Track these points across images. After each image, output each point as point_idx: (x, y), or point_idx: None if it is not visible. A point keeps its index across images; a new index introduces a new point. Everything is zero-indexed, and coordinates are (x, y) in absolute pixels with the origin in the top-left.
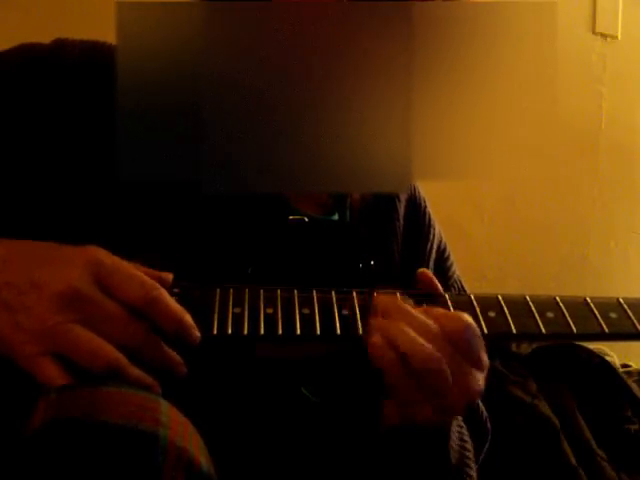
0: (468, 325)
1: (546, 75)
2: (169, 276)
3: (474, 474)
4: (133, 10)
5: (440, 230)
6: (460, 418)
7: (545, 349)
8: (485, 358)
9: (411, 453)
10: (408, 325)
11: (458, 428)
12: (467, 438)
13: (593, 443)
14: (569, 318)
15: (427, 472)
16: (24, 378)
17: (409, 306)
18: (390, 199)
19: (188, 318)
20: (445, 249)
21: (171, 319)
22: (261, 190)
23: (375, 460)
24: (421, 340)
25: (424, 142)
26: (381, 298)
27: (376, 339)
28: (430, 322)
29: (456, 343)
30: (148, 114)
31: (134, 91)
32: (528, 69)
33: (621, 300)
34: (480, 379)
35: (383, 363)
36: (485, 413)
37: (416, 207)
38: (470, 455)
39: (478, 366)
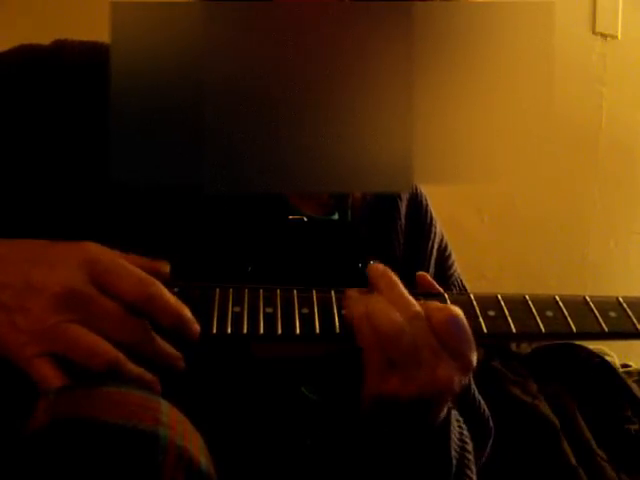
0: (454, 316)
1: (544, 75)
2: (166, 266)
3: (474, 476)
4: (127, 10)
5: (442, 228)
6: (462, 420)
7: (545, 349)
8: (470, 357)
9: (405, 450)
10: (388, 298)
11: (459, 429)
12: (468, 440)
13: (593, 443)
14: (569, 317)
15: (427, 471)
16: (23, 379)
17: (398, 280)
18: (392, 198)
19: (187, 312)
20: (446, 247)
21: (170, 314)
22: (263, 190)
23: (368, 456)
24: (394, 313)
25: (425, 146)
26: (375, 268)
27: (355, 309)
28: (413, 302)
29: (438, 333)
30: (144, 116)
31: (128, 92)
32: (526, 69)
33: (621, 299)
34: (455, 375)
35: (359, 334)
36: (487, 412)
37: (418, 206)
38: (470, 457)
39: (457, 360)
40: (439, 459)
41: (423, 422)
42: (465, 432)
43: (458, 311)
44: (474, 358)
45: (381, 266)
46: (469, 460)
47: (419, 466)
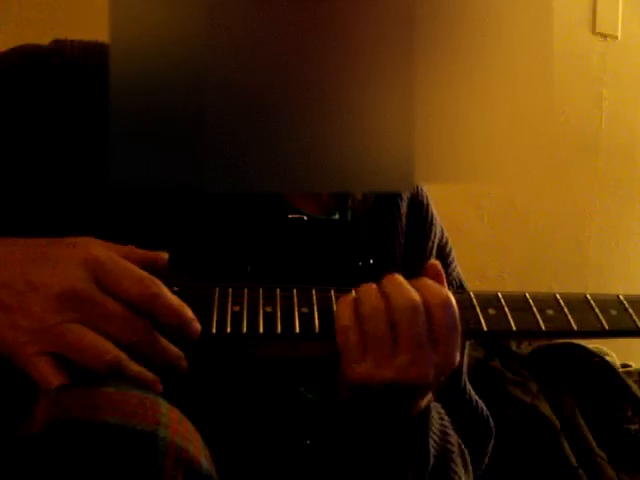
0: (449, 303)
1: (543, 73)
2: (164, 256)
3: (459, 469)
4: (126, 6)
5: (443, 227)
6: (443, 412)
7: (545, 349)
8: (452, 353)
9: (381, 440)
10: (383, 284)
11: (440, 422)
12: (451, 432)
13: (593, 443)
14: (569, 315)
15: (404, 462)
16: (24, 378)
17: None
18: (392, 198)
19: (188, 311)
20: (446, 245)
21: (171, 313)
22: (264, 190)
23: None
24: (378, 294)
25: (426, 145)
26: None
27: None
28: (410, 288)
29: (430, 318)
30: (144, 114)
31: (128, 91)
32: (526, 68)
33: (621, 297)
34: (432, 368)
35: (339, 315)
36: (486, 411)
37: (419, 205)
38: (454, 449)
39: (439, 353)
40: (417, 449)
41: (398, 410)
42: (448, 425)
43: (453, 301)
44: (456, 355)
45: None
46: (453, 452)
47: (396, 457)
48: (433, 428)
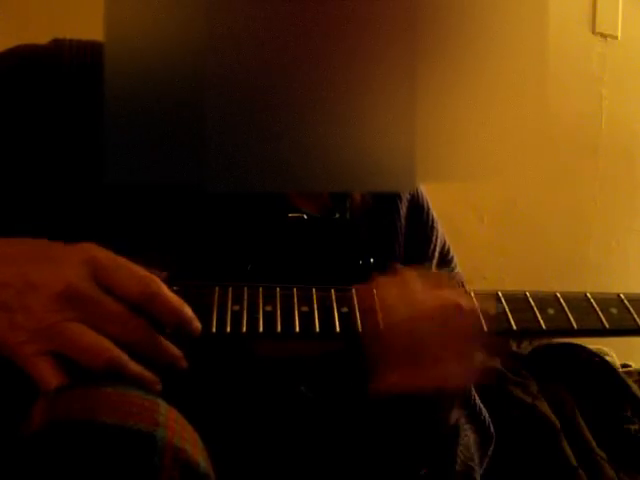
0: (461, 306)
1: (538, 72)
2: (162, 275)
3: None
4: (122, 4)
5: (443, 232)
6: (467, 427)
7: (545, 349)
8: (476, 358)
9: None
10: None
11: (466, 446)
12: (474, 451)
13: (593, 443)
14: (569, 314)
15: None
16: (24, 378)
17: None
18: (391, 199)
19: (188, 310)
20: (448, 251)
21: (171, 312)
22: (265, 189)
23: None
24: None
25: (428, 145)
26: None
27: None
28: (430, 297)
29: (455, 327)
30: (141, 113)
31: (124, 89)
32: (523, 70)
33: (622, 295)
34: (461, 374)
35: (368, 321)
36: (488, 419)
37: (419, 208)
38: (476, 468)
39: (466, 360)
40: (441, 462)
41: (429, 422)
42: (472, 449)
43: (478, 309)
44: (481, 363)
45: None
46: (475, 471)
47: (415, 466)
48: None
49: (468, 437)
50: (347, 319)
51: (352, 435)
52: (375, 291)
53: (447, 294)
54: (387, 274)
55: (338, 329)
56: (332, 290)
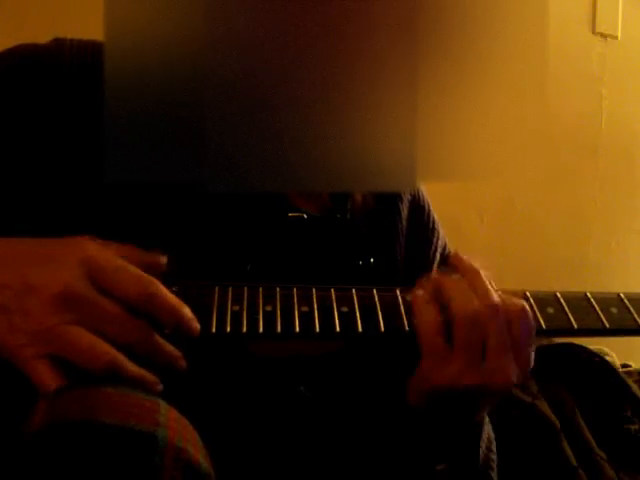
0: (527, 313)
1: (538, 71)
2: (163, 259)
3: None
4: (122, 3)
5: (444, 234)
6: (490, 428)
7: (545, 349)
8: (530, 357)
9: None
10: (469, 283)
11: (487, 429)
12: (493, 440)
13: (593, 443)
14: (569, 313)
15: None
16: (24, 379)
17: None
18: (392, 200)
19: (187, 310)
20: (449, 254)
21: (170, 312)
22: (265, 189)
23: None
24: (473, 297)
25: (428, 144)
26: (457, 254)
27: (421, 291)
28: (493, 292)
29: (511, 327)
30: (140, 114)
31: (123, 89)
32: (523, 70)
33: (622, 295)
34: (516, 370)
35: (424, 315)
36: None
37: (419, 209)
38: (494, 457)
39: (520, 358)
40: (466, 457)
41: (469, 417)
42: (491, 434)
43: (527, 308)
44: (532, 361)
45: (462, 254)
46: (493, 461)
47: (442, 459)
48: (484, 436)
49: (489, 427)
50: (347, 319)
51: (352, 435)
52: (441, 283)
53: (507, 295)
54: (450, 270)
55: (338, 329)
56: (332, 290)
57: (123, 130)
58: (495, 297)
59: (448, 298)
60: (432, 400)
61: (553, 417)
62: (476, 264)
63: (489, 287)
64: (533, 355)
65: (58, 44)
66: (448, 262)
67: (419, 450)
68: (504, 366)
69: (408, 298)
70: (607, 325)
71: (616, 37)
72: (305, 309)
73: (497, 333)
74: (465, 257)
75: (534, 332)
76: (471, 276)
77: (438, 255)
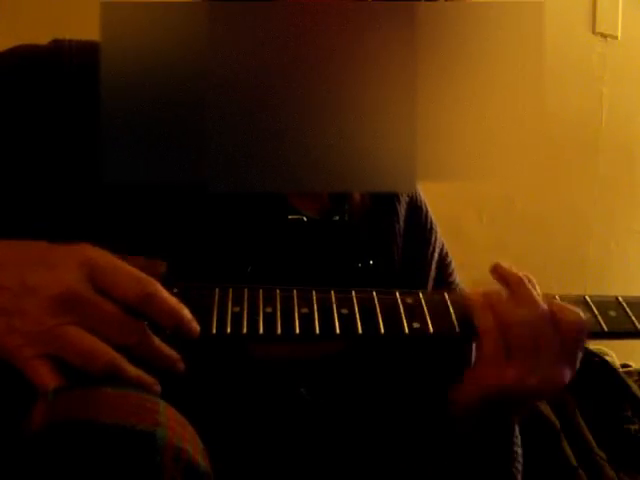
0: (581, 319)
1: (534, 74)
2: (162, 266)
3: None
4: (118, 10)
5: (441, 237)
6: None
7: None
8: (578, 361)
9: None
10: (515, 295)
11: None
12: (519, 442)
13: (593, 443)
14: None
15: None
16: (23, 380)
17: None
18: (390, 201)
19: (186, 312)
20: (447, 255)
21: (169, 314)
22: (265, 189)
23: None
24: (520, 306)
25: (428, 144)
26: (501, 266)
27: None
28: (539, 300)
29: (562, 331)
30: (139, 117)
31: (122, 90)
32: (520, 69)
33: (620, 298)
34: (567, 374)
35: (481, 320)
36: None
37: (417, 210)
38: (520, 459)
39: (570, 362)
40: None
41: (507, 419)
42: (517, 441)
43: (582, 315)
44: (579, 362)
45: (508, 265)
46: (519, 462)
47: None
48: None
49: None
50: (347, 321)
51: (352, 437)
52: (488, 293)
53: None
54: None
55: (338, 331)
56: (332, 292)
57: (122, 130)
58: (543, 304)
59: (499, 308)
60: (485, 404)
61: (553, 417)
62: (519, 272)
63: (534, 294)
64: (581, 355)
65: (57, 45)
66: (491, 273)
67: (454, 458)
68: (557, 369)
69: (408, 301)
70: (605, 328)
71: (616, 37)
72: (305, 311)
73: (547, 338)
74: (506, 265)
75: (585, 335)
76: (516, 286)
77: (436, 255)
